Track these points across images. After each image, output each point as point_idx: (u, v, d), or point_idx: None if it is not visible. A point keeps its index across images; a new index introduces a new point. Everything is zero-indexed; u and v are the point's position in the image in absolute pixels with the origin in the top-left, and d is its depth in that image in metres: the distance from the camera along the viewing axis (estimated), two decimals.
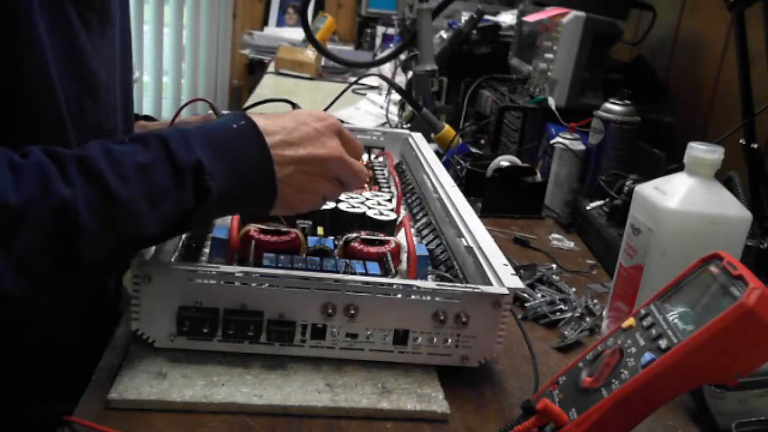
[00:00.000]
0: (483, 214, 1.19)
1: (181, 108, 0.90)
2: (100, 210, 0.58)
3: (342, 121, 0.78)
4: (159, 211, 0.61)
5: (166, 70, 3.05)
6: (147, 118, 1.04)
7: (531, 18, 1.49)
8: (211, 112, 0.90)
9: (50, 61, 0.66)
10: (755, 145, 0.96)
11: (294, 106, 0.97)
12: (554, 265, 1.04)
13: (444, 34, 1.81)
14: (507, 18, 1.85)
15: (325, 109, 1.61)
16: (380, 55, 2.25)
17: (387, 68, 2.13)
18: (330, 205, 0.91)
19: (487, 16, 1.77)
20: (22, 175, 0.56)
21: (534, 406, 0.55)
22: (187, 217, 0.62)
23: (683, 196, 0.75)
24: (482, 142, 1.60)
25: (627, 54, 1.64)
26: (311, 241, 0.83)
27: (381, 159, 1.21)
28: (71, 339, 0.81)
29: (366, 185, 1.04)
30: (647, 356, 0.53)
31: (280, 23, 3.55)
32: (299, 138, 0.69)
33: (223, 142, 0.65)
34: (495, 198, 1.23)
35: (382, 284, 0.69)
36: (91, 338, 0.78)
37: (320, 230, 0.88)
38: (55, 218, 0.56)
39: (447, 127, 1.40)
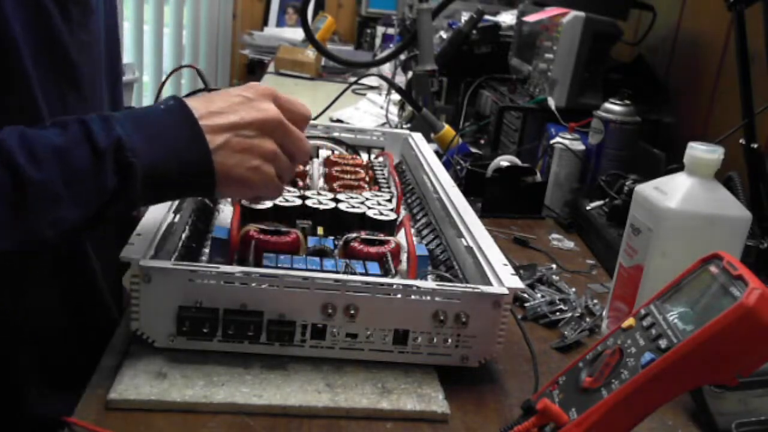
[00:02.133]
0: (483, 214, 1.19)
1: (169, 75, 0.91)
2: (6, 192, 0.56)
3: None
4: (77, 193, 0.59)
5: (166, 70, 3.05)
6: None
7: (531, 18, 1.49)
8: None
9: (25, 54, 0.65)
10: (755, 145, 0.96)
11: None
12: (554, 265, 1.04)
13: (444, 34, 1.81)
14: (507, 18, 1.85)
15: (325, 109, 1.62)
16: (380, 55, 2.25)
17: (387, 68, 2.13)
18: (330, 205, 0.91)
19: (487, 16, 1.77)
20: None
21: (534, 406, 0.55)
22: (113, 199, 0.61)
23: (683, 196, 0.75)
24: (482, 142, 1.60)
25: (627, 54, 1.64)
26: (311, 241, 0.83)
27: (381, 159, 1.21)
28: (67, 338, 0.81)
29: (366, 185, 1.04)
30: (647, 356, 0.53)
31: (280, 23, 3.55)
32: (228, 106, 0.67)
33: (148, 119, 0.64)
34: (495, 198, 1.23)
35: (382, 284, 0.69)
36: (88, 338, 0.78)
37: (320, 230, 0.88)
38: None
39: (447, 127, 1.40)
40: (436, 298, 0.69)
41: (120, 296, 0.92)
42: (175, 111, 0.65)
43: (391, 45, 2.51)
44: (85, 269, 0.82)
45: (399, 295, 0.69)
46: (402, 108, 1.77)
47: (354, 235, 0.83)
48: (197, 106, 0.66)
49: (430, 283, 0.72)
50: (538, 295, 0.91)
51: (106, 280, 0.85)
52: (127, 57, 3.43)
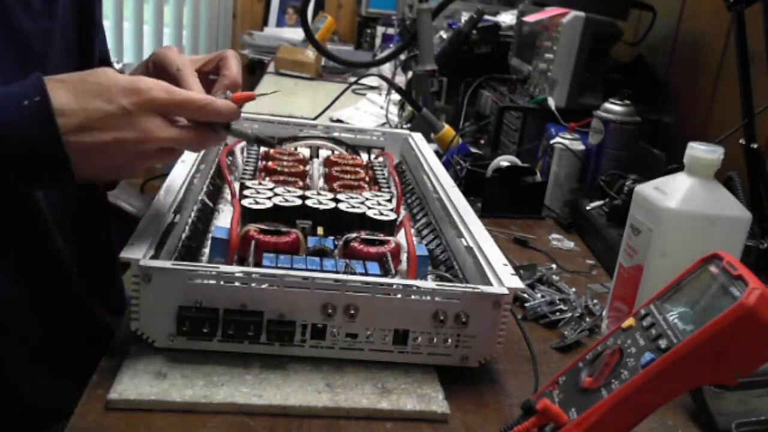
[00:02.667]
0: (483, 214, 1.19)
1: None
2: None
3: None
4: None
5: None
6: None
7: (531, 18, 1.49)
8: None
9: None
10: (755, 145, 0.96)
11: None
12: (554, 265, 1.04)
13: (444, 34, 1.81)
14: (507, 18, 1.85)
15: (325, 110, 1.62)
16: (380, 55, 2.25)
17: (387, 68, 2.12)
18: (330, 205, 0.91)
19: (487, 16, 1.77)
20: None
21: (534, 406, 0.55)
22: None
23: (683, 196, 0.75)
24: (482, 142, 1.59)
25: (627, 54, 1.64)
26: (311, 241, 0.83)
27: (381, 159, 1.21)
28: (63, 337, 0.81)
29: (366, 185, 1.04)
30: (647, 356, 0.53)
31: (280, 23, 3.54)
32: (100, 118, 0.59)
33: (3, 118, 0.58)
34: (495, 198, 1.23)
35: (382, 284, 0.69)
36: (68, 324, 0.78)
37: (320, 230, 0.88)
38: None
39: (447, 127, 1.40)
40: (436, 298, 0.69)
41: (99, 279, 0.90)
42: (36, 116, 0.58)
43: (391, 45, 2.51)
44: (47, 250, 0.79)
45: (399, 295, 0.69)
46: (402, 108, 1.77)
47: (354, 235, 0.83)
48: (66, 110, 0.58)
49: (430, 283, 0.72)
50: (538, 295, 0.91)
51: (79, 266, 0.84)
52: (127, 57, 3.44)
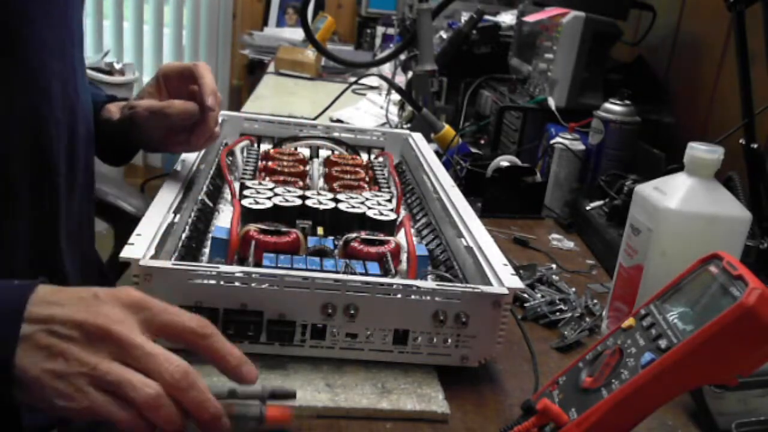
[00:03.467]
0: (483, 214, 1.19)
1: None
2: None
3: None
4: None
5: None
6: (111, 98, 0.99)
7: (531, 18, 1.49)
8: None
9: None
10: (755, 145, 0.96)
11: None
12: (554, 265, 1.04)
13: (444, 34, 1.80)
14: (507, 18, 1.85)
15: (325, 110, 1.62)
16: (380, 56, 2.25)
17: (387, 68, 2.12)
18: (330, 205, 0.91)
19: (487, 17, 1.77)
20: None
21: (534, 406, 0.55)
22: None
23: (683, 196, 0.75)
24: (482, 142, 1.59)
25: (627, 54, 1.64)
26: (311, 241, 0.83)
27: (381, 159, 1.21)
28: None
29: (366, 185, 1.04)
30: (647, 356, 0.53)
31: (280, 23, 3.54)
32: (68, 298, 0.53)
33: None
34: (495, 198, 1.23)
35: (382, 284, 0.69)
36: None
37: (320, 230, 0.88)
38: None
39: (447, 127, 1.40)
40: (436, 298, 0.69)
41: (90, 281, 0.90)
42: (13, 287, 0.54)
43: (391, 45, 2.51)
44: (57, 269, 0.80)
45: (399, 295, 0.69)
46: (402, 108, 1.77)
47: (354, 235, 0.83)
48: (45, 290, 0.54)
49: (430, 283, 0.72)
50: (538, 295, 0.91)
51: (84, 280, 0.85)
52: (127, 57, 3.45)
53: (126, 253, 0.66)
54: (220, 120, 1.16)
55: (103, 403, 0.50)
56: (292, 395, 0.58)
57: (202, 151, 0.98)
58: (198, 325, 0.54)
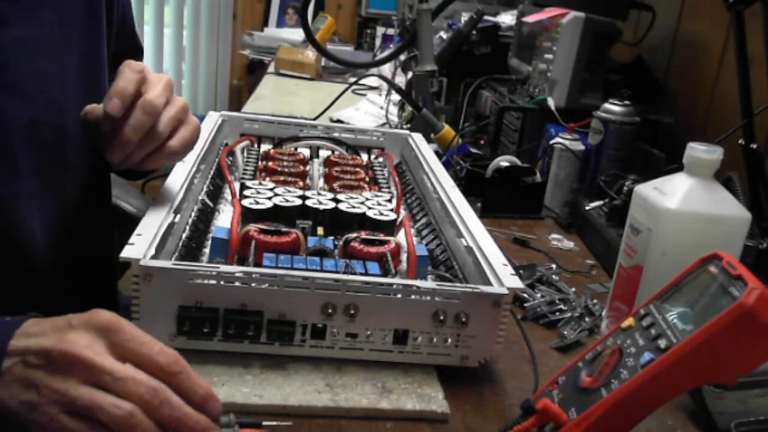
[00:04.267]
0: (483, 214, 1.19)
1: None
2: None
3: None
4: None
5: (166, 71, 3.05)
6: None
7: (531, 18, 1.49)
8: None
9: None
10: (755, 145, 0.96)
11: None
12: (554, 265, 1.04)
13: (444, 35, 1.81)
14: (507, 18, 1.85)
15: (325, 110, 1.62)
16: (380, 56, 2.24)
17: (387, 69, 2.12)
18: (330, 205, 0.91)
19: (486, 17, 1.77)
20: None
21: (534, 406, 0.55)
22: None
23: (682, 196, 0.75)
24: (482, 142, 1.60)
25: (626, 54, 1.64)
26: (311, 241, 0.83)
27: (381, 159, 1.21)
28: None
29: (366, 185, 1.04)
30: (646, 356, 0.53)
31: (280, 24, 3.54)
32: (43, 330, 0.54)
33: None
34: (495, 198, 1.23)
35: (382, 284, 0.69)
36: None
37: (320, 230, 0.88)
38: None
39: (447, 127, 1.40)
40: (436, 298, 0.69)
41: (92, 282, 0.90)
42: (2, 323, 0.56)
43: (391, 45, 2.51)
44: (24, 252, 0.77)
45: (399, 295, 0.69)
46: (402, 108, 1.76)
47: (354, 235, 0.83)
48: (29, 323, 0.56)
49: (430, 283, 0.72)
50: (538, 295, 0.92)
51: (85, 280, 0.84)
52: None
53: (126, 253, 0.66)
54: (219, 121, 1.16)
55: (77, 430, 0.51)
56: (258, 425, 0.60)
57: (202, 152, 0.98)
58: (166, 363, 0.54)
